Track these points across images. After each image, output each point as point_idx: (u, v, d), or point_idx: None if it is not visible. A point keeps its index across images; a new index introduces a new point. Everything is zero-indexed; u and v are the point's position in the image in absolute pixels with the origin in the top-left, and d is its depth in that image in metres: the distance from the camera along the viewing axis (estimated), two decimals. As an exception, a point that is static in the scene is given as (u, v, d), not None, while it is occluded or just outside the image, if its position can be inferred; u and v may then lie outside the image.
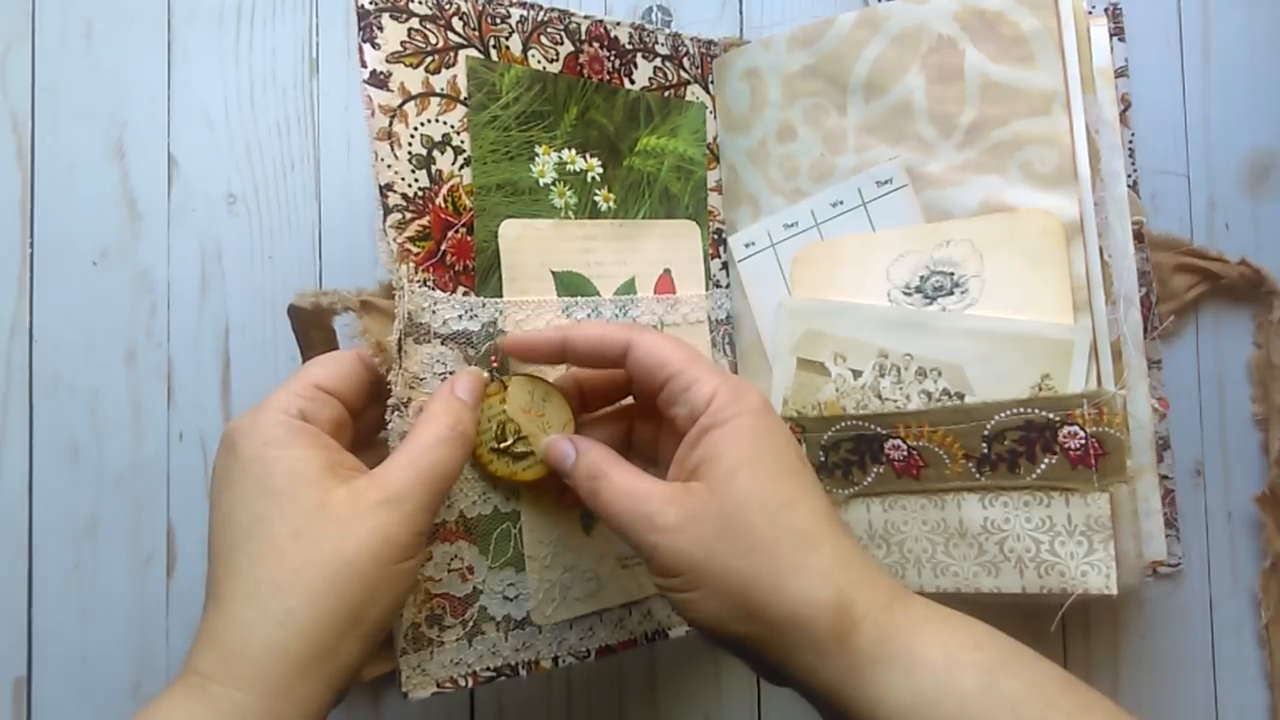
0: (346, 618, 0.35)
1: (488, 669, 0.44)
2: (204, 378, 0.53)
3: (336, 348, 0.51)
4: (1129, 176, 0.54)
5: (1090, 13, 0.53)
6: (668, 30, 0.51)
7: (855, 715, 0.35)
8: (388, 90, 0.42)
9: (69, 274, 0.53)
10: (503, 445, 0.43)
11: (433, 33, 0.43)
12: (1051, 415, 0.44)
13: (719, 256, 0.53)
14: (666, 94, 0.51)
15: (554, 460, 0.42)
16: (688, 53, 0.52)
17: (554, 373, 0.45)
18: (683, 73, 0.52)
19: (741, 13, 0.57)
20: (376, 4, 0.42)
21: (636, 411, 0.46)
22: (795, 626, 0.35)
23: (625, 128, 0.49)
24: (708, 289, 0.52)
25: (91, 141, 0.53)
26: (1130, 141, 0.54)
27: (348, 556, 0.35)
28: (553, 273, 0.46)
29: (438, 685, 0.42)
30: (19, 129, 0.53)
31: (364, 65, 0.42)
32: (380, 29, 0.42)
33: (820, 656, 0.35)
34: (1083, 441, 0.43)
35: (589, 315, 0.47)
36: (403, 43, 0.42)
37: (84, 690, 0.52)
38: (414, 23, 0.43)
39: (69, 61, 0.53)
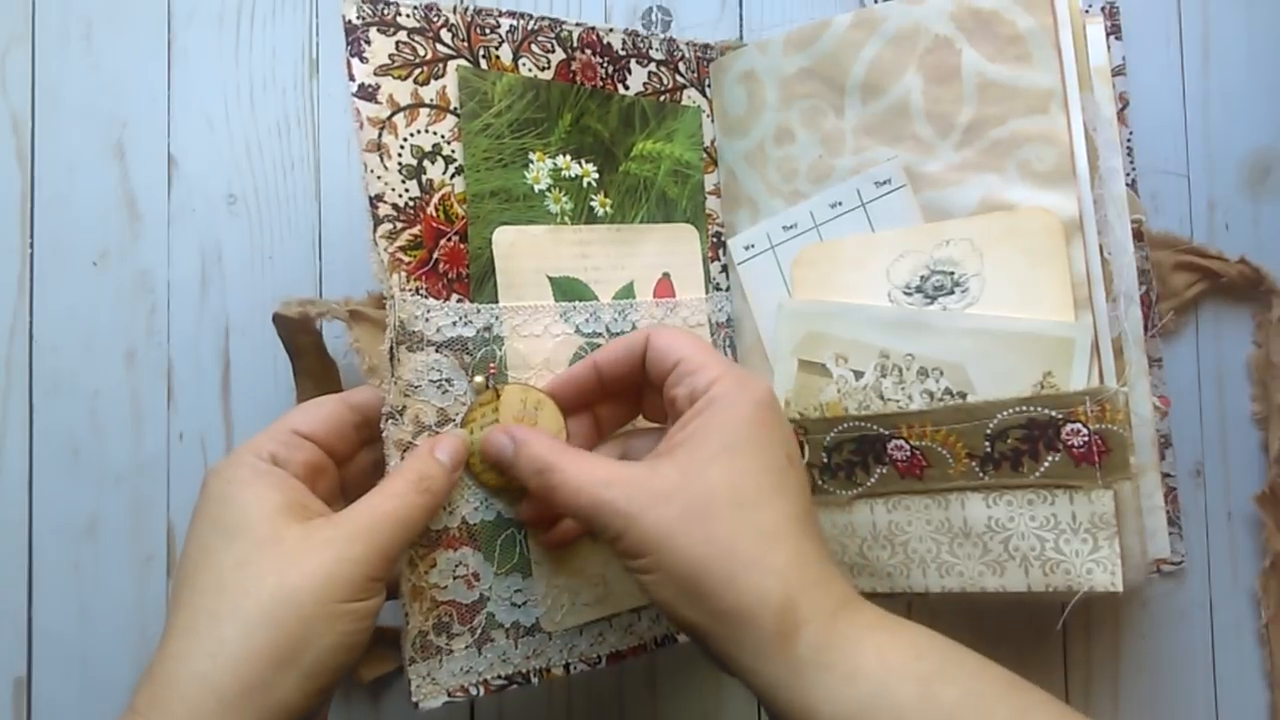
0: (280, 652, 0.34)
1: (499, 677, 0.43)
2: (204, 378, 0.54)
3: (325, 352, 0.51)
4: (1127, 175, 0.54)
5: (1087, 11, 0.53)
6: (663, 35, 0.51)
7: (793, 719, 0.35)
8: (376, 103, 0.42)
9: (69, 274, 0.53)
10: None
11: (421, 45, 0.43)
12: (1054, 413, 0.44)
13: (719, 259, 0.53)
14: (662, 99, 0.51)
15: (492, 453, 0.42)
16: (683, 57, 0.52)
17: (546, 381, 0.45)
18: (678, 77, 0.52)
19: (741, 14, 0.58)
20: (364, 18, 0.42)
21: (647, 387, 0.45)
22: (740, 621, 0.35)
23: (620, 133, 0.49)
24: (707, 292, 0.52)
25: (91, 141, 0.53)
26: (1128, 140, 0.55)
27: (288, 590, 0.34)
28: (549, 278, 0.46)
29: (448, 694, 0.42)
30: (19, 129, 0.53)
31: (352, 79, 0.42)
32: (368, 43, 0.42)
33: (761, 657, 0.35)
34: (1086, 439, 0.43)
35: (587, 320, 0.47)
36: (391, 55, 0.43)
37: (84, 690, 0.52)
38: (402, 35, 0.43)
39: (69, 61, 0.53)
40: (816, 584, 0.36)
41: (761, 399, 0.39)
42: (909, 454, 0.47)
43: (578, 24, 0.48)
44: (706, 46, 0.53)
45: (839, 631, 0.35)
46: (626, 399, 0.45)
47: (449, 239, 0.44)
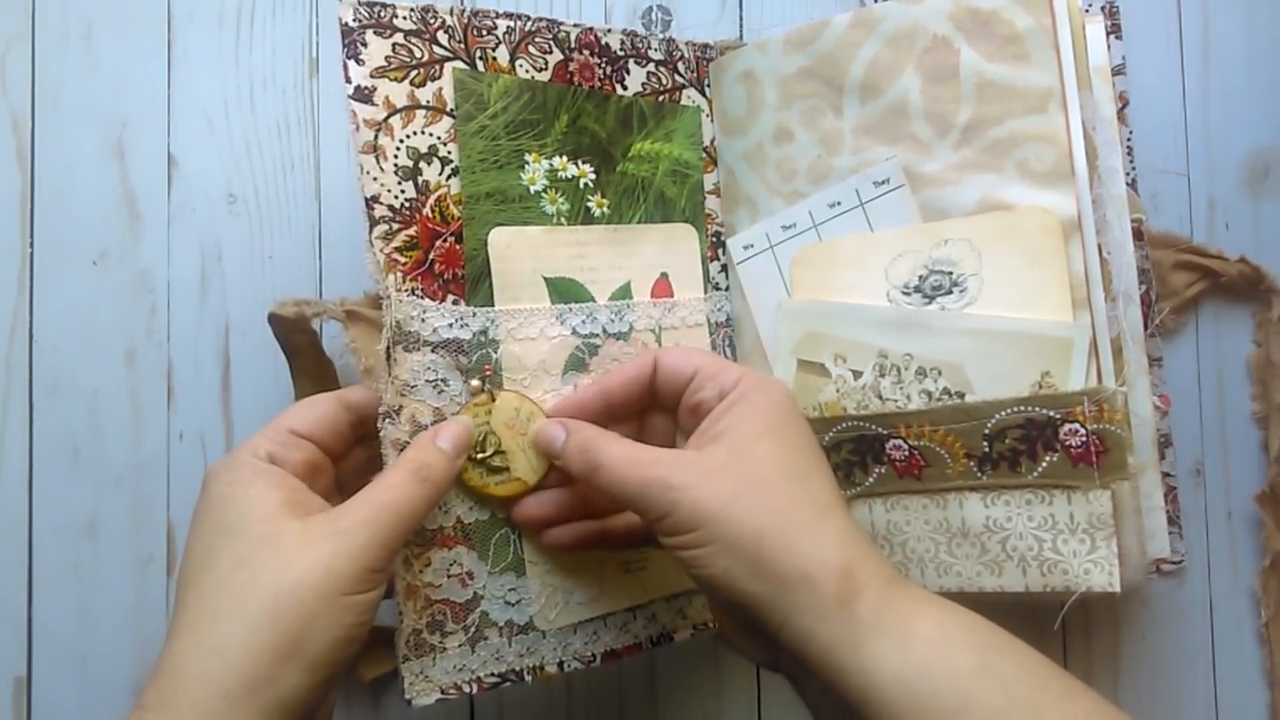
0: (283, 647, 0.34)
1: (492, 674, 0.44)
2: (204, 378, 0.54)
3: (321, 352, 0.51)
4: (1127, 174, 0.54)
5: (1087, 11, 0.53)
6: (661, 35, 0.51)
7: (849, 684, 0.35)
8: (372, 105, 0.42)
9: (69, 274, 0.53)
10: (481, 456, 0.43)
11: (418, 47, 0.43)
12: (1052, 413, 0.44)
13: (718, 259, 0.53)
14: (661, 99, 0.51)
15: (544, 444, 0.43)
16: (682, 57, 0.52)
17: (539, 387, 0.45)
18: (677, 77, 0.52)
19: (741, 14, 0.58)
20: (360, 21, 0.42)
21: (649, 411, 0.46)
22: (802, 585, 0.36)
23: (618, 133, 0.49)
24: (706, 292, 0.52)
25: (91, 141, 0.53)
26: (1128, 139, 0.54)
27: (288, 585, 0.35)
28: (545, 279, 0.46)
29: (442, 692, 0.42)
30: (19, 129, 0.53)
31: (348, 81, 0.42)
32: (364, 45, 0.42)
33: (821, 620, 0.36)
34: (1084, 439, 0.43)
35: (583, 321, 0.47)
36: (387, 58, 0.43)
37: (84, 690, 0.52)
38: (398, 38, 0.43)
39: (69, 61, 0.53)
40: (869, 553, 0.38)
41: (785, 391, 0.42)
42: (907, 454, 0.47)
43: (575, 25, 0.48)
44: (706, 46, 0.53)
45: (896, 598, 0.36)
46: (628, 424, 0.46)
47: (445, 240, 0.44)
